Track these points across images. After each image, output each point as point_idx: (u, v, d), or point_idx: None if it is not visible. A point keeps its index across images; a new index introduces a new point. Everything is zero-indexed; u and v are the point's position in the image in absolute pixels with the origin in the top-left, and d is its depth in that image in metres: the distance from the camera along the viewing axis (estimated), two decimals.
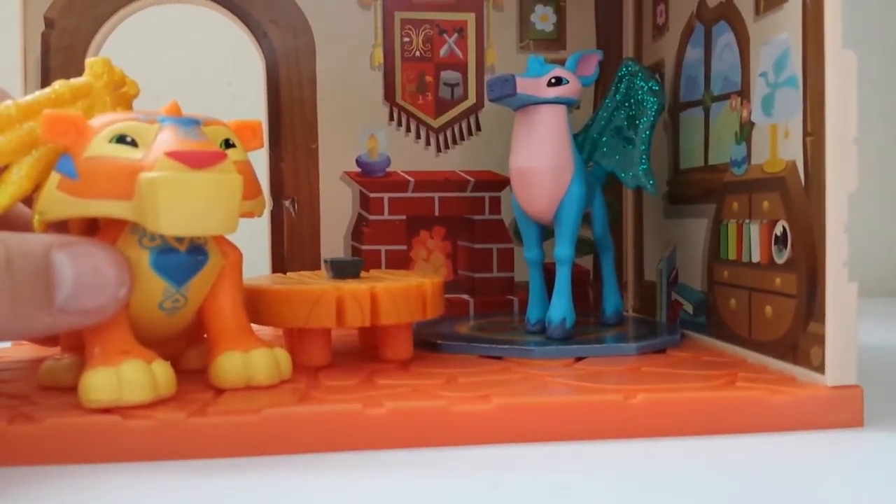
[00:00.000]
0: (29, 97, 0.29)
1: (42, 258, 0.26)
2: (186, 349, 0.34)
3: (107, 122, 0.28)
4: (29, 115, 0.29)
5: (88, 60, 0.31)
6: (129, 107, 0.33)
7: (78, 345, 0.31)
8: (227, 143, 0.30)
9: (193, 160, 0.27)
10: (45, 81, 0.45)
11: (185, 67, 0.77)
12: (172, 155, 0.27)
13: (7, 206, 0.29)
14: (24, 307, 0.26)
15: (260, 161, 0.48)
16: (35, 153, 0.29)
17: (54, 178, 0.28)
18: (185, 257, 0.30)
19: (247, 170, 0.31)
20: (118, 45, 0.49)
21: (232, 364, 0.30)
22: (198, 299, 0.31)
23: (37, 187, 0.29)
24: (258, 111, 0.48)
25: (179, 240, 0.30)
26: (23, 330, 0.27)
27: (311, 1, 0.48)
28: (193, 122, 0.29)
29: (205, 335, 0.33)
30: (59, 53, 0.45)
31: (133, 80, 0.33)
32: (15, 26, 0.45)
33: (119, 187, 0.27)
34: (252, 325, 0.33)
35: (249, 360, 0.30)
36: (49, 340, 0.37)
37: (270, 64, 0.48)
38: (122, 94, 0.33)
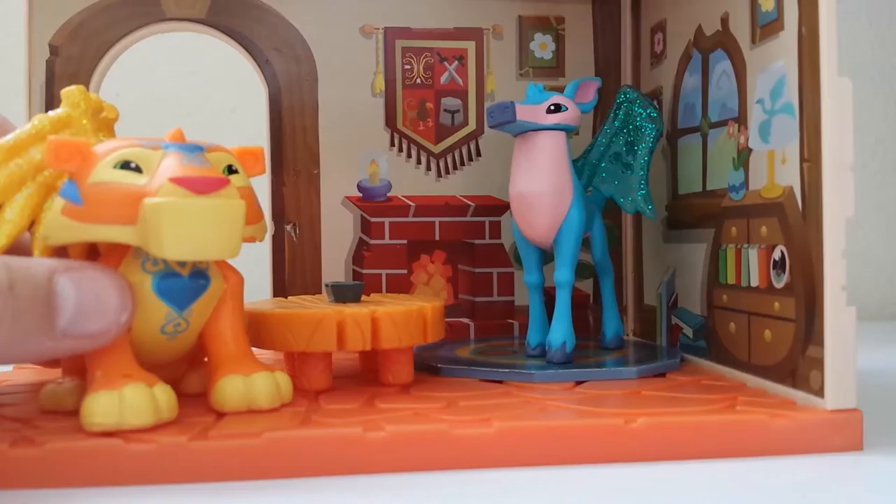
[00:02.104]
0: (10, 136, 0.30)
1: (45, 282, 0.26)
2: (187, 373, 0.34)
3: (111, 148, 0.29)
4: (13, 154, 0.30)
5: (64, 91, 0.31)
6: (110, 131, 0.34)
7: (79, 368, 0.31)
8: (230, 169, 0.31)
9: (197, 186, 0.27)
10: (49, 108, 0.45)
11: (189, 94, 0.77)
12: (176, 181, 0.27)
13: (5, 247, 0.29)
14: (25, 331, 0.26)
15: (262, 186, 0.49)
16: (25, 190, 0.30)
17: (58, 203, 0.28)
18: (187, 282, 0.30)
19: (249, 195, 0.31)
20: (122, 73, 0.49)
21: (233, 388, 0.30)
22: (199, 323, 0.31)
23: (33, 222, 0.30)
24: (261, 137, 0.49)
25: (182, 264, 0.30)
26: (24, 353, 0.27)
27: (314, 29, 0.48)
28: (197, 149, 0.29)
29: (205, 359, 0.33)
30: (63, 80, 0.46)
31: (112, 105, 0.34)
32: (20, 53, 0.45)
33: (123, 212, 0.28)
34: (253, 348, 0.33)
35: (251, 383, 0.30)
36: (51, 362, 0.37)
37: (273, 91, 0.48)
38: (102, 120, 0.33)
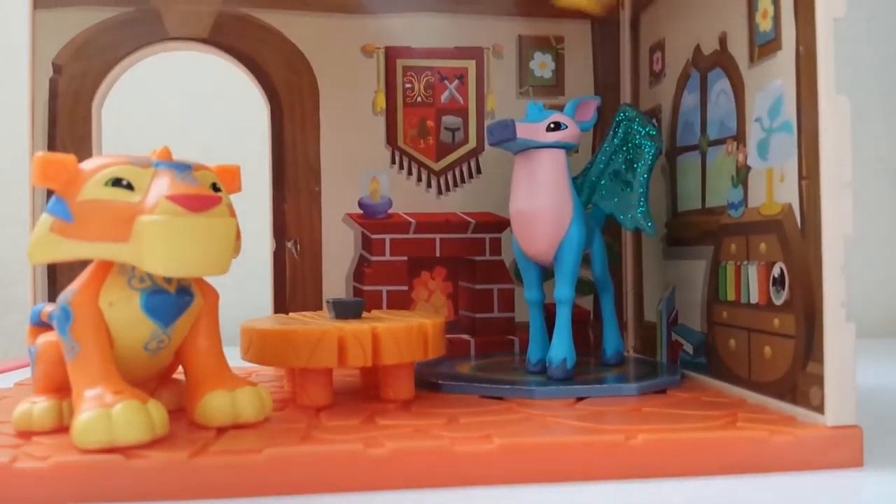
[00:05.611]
0: None
1: None
2: (157, 389, 0.34)
3: (100, 165, 0.29)
4: None
5: None
6: None
7: (54, 387, 0.31)
8: (215, 187, 0.31)
9: (194, 204, 0.28)
10: (52, 126, 0.46)
11: (192, 111, 0.78)
12: (173, 199, 0.27)
13: None
14: None
15: (263, 202, 0.49)
16: None
17: (46, 220, 0.28)
18: (174, 298, 0.30)
19: (233, 212, 0.31)
20: (125, 90, 0.50)
21: (220, 402, 0.30)
22: (179, 340, 0.31)
23: None
24: (263, 154, 0.49)
25: (168, 281, 0.30)
26: None
27: (316, 48, 0.49)
28: (186, 167, 0.29)
29: (173, 375, 0.33)
30: (66, 99, 0.46)
31: None
32: (23, 71, 0.46)
33: (116, 230, 0.28)
34: (258, 364, 0.33)
35: (236, 398, 0.30)
36: None
37: (275, 108, 0.49)
38: None
